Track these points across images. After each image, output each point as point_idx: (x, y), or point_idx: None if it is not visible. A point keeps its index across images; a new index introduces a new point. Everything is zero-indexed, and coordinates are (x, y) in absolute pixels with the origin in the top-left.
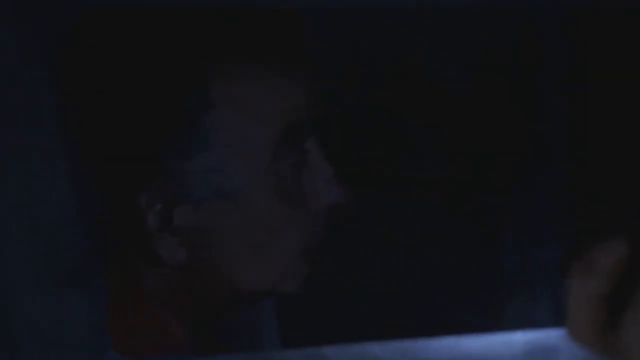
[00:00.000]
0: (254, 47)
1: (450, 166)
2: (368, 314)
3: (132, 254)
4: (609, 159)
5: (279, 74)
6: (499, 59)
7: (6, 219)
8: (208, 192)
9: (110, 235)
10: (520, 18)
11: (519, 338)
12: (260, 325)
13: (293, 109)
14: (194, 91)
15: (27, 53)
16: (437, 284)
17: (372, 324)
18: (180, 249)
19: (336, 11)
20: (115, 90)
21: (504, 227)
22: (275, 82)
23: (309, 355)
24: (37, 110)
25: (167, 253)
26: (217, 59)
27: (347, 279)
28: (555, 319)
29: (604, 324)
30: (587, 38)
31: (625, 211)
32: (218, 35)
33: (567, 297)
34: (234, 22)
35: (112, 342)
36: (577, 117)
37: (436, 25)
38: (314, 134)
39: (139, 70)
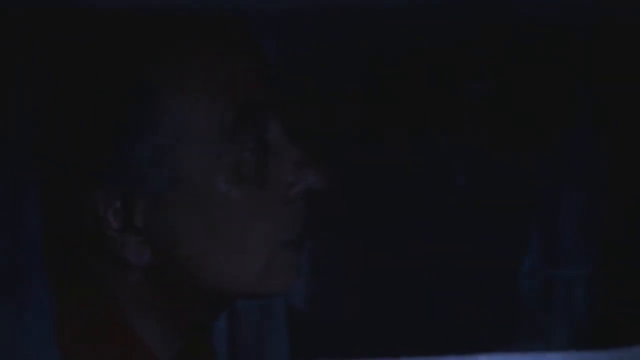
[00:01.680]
0: (193, 31)
1: (470, 184)
2: (379, 332)
3: (93, 260)
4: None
5: (223, 55)
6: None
7: None
8: (164, 184)
9: (62, 241)
10: (547, 27)
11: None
12: (269, 341)
13: (243, 91)
14: (132, 78)
15: None
16: (453, 305)
17: (382, 343)
18: (145, 248)
19: (346, 12)
20: (52, 83)
21: (524, 247)
22: (221, 64)
23: None
24: None
25: (132, 253)
26: (154, 46)
27: (359, 297)
28: (573, 341)
29: None
30: (612, 49)
31: None
32: (154, 23)
33: None
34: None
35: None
36: (601, 132)
37: (454, 30)
38: (276, 116)
39: (74, 60)
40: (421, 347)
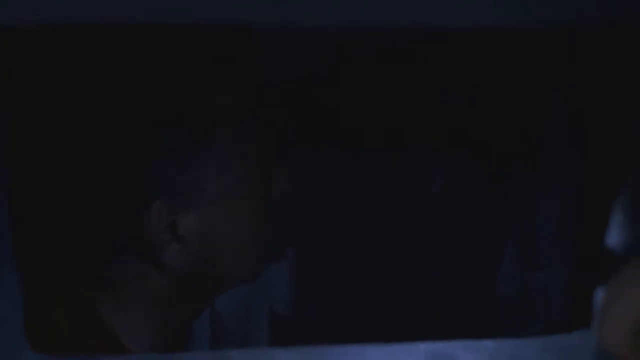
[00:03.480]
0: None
1: (447, 189)
2: (361, 337)
3: (132, 262)
4: (615, 180)
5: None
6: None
7: None
8: (205, 200)
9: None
10: (525, 34)
11: (422, 348)
12: (252, 346)
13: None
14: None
15: None
16: (431, 308)
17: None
18: (184, 255)
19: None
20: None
21: (501, 250)
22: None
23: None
24: None
25: (173, 259)
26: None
27: (340, 302)
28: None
29: None
30: (590, 57)
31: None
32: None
33: (602, 302)
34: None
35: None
36: (577, 136)
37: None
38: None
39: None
40: None
